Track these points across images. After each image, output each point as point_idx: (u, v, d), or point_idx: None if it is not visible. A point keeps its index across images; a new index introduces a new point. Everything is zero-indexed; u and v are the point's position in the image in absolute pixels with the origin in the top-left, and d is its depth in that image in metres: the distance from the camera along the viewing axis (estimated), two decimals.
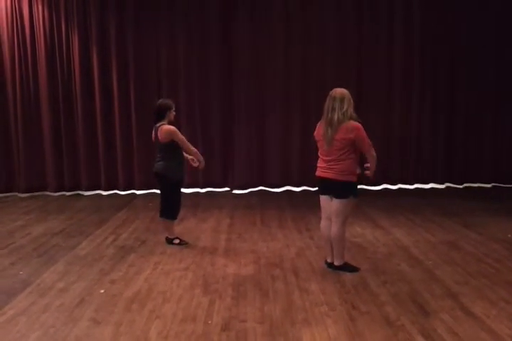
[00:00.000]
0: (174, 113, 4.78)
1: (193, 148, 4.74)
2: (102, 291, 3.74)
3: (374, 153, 3.93)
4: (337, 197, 3.94)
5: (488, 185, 8.12)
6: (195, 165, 4.87)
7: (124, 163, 7.82)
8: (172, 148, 4.68)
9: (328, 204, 4.05)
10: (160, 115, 4.68)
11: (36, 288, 3.84)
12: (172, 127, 4.64)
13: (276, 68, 7.74)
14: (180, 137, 4.65)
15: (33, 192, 7.80)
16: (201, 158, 4.80)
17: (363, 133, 3.83)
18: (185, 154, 4.83)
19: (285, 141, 7.87)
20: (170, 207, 4.84)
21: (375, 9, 7.70)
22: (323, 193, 4.07)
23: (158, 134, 4.63)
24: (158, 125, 4.67)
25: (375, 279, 3.94)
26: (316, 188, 4.23)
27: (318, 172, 4.04)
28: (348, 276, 4.00)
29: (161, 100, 4.88)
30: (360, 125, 3.82)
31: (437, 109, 7.94)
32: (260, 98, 7.82)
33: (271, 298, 3.58)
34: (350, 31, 7.71)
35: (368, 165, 3.98)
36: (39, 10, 7.48)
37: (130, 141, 7.80)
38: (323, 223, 4.14)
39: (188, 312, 3.35)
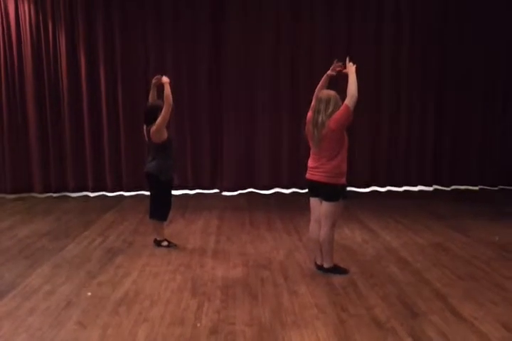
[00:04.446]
0: None
1: (165, 102, 4.50)
2: (89, 294, 3.70)
3: (348, 98, 3.79)
4: (326, 199, 3.94)
5: (476, 188, 8.19)
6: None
7: (112, 164, 7.74)
8: (163, 148, 4.65)
9: (318, 207, 4.05)
10: (151, 116, 4.61)
11: (22, 290, 3.77)
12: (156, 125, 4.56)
13: (266, 69, 7.72)
14: (162, 118, 4.49)
15: (19, 193, 7.70)
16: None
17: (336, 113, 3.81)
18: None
19: (274, 142, 7.86)
20: (160, 208, 4.80)
21: (365, 9, 7.72)
22: (313, 195, 4.08)
23: (151, 135, 4.60)
24: (149, 126, 4.63)
25: (364, 281, 3.95)
26: (306, 190, 4.23)
27: (308, 175, 4.05)
28: (337, 278, 3.99)
29: (152, 101, 4.83)
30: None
31: (426, 112, 7.99)
32: (249, 99, 7.80)
33: (260, 301, 3.56)
34: (339, 31, 7.72)
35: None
36: (25, 8, 7.37)
37: (118, 141, 7.72)
38: (313, 225, 4.14)
39: (176, 315, 3.32)
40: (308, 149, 4.09)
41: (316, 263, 4.21)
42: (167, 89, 4.53)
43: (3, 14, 7.40)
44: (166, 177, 4.69)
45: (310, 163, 4.06)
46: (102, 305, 3.50)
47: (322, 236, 4.01)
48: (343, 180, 3.94)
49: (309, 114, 4.04)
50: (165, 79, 4.63)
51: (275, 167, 7.91)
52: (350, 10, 7.71)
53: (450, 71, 7.94)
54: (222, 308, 3.43)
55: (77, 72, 7.57)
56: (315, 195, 4.05)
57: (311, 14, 7.67)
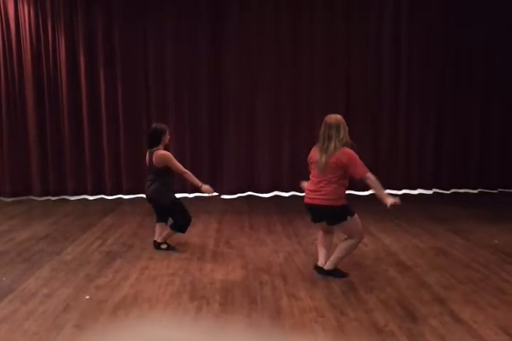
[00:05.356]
0: (168, 136, 4.77)
1: (185, 172, 4.65)
2: (87, 297, 3.68)
3: (372, 176, 3.73)
4: (334, 223, 3.94)
5: (475, 191, 8.18)
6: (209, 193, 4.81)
7: (111, 166, 7.75)
8: (165, 171, 4.67)
9: (324, 225, 4.05)
10: (155, 139, 4.66)
11: (20, 294, 3.76)
12: (167, 153, 4.64)
13: (266, 72, 7.75)
14: (175, 162, 4.62)
15: (18, 196, 7.69)
16: (197, 181, 4.67)
17: (356, 158, 3.79)
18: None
19: (274, 145, 7.87)
20: (181, 221, 4.79)
21: (364, 9, 7.74)
22: (316, 221, 4.07)
23: (154, 159, 4.61)
24: (153, 149, 4.65)
25: (364, 285, 3.93)
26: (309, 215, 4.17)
27: (307, 199, 3.99)
28: (336, 282, 3.98)
29: (155, 124, 4.85)
30: (352, 151, 3.82)
31: (425, 115, 8.00)
32: (250, 102, 7.82)
33: (259, 304, 3.54)
34: (339, 32, 7.74)
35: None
36: (25, 9, 7.41)
37: (117, 144, 7.74)
38: (322, 234, 4.18)
39: (175, 319, 3.30)
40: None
41: (316, 264, 4.19)
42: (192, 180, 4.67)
43: (3, 16, 7.44)
44: (167, 199, 4.71)
45: (309, 186, 4.01)
46: (100, 308, 3.48)
47: (348, 242, 4.00)
48: (343, 201, 3.91)
49: (312, 151, 4.04)
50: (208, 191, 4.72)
51: (275, 170, 7.91)
52: (350, 9, 7.73)
53: (450, 74, 7.95)
54: (220, 312, 3.41)
55: (76, 75, 7.59)
56: (318, 221, 4.05)
57: (311, 14, 7.68)
